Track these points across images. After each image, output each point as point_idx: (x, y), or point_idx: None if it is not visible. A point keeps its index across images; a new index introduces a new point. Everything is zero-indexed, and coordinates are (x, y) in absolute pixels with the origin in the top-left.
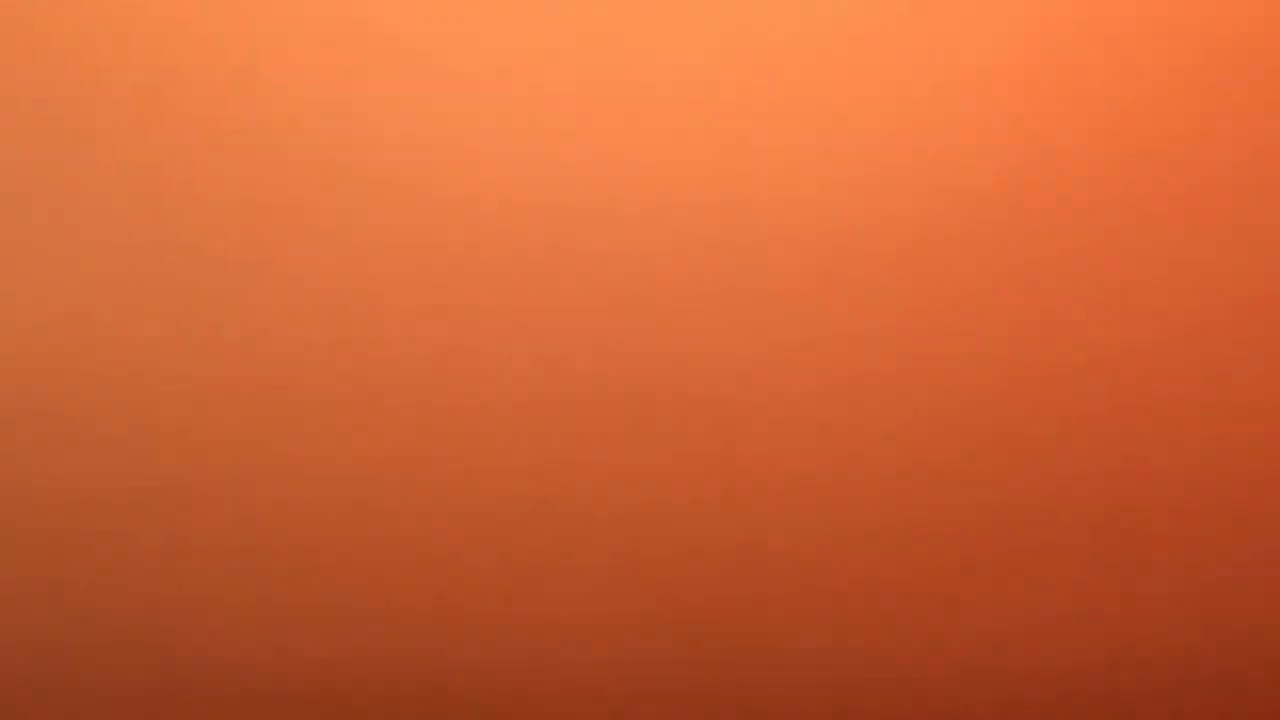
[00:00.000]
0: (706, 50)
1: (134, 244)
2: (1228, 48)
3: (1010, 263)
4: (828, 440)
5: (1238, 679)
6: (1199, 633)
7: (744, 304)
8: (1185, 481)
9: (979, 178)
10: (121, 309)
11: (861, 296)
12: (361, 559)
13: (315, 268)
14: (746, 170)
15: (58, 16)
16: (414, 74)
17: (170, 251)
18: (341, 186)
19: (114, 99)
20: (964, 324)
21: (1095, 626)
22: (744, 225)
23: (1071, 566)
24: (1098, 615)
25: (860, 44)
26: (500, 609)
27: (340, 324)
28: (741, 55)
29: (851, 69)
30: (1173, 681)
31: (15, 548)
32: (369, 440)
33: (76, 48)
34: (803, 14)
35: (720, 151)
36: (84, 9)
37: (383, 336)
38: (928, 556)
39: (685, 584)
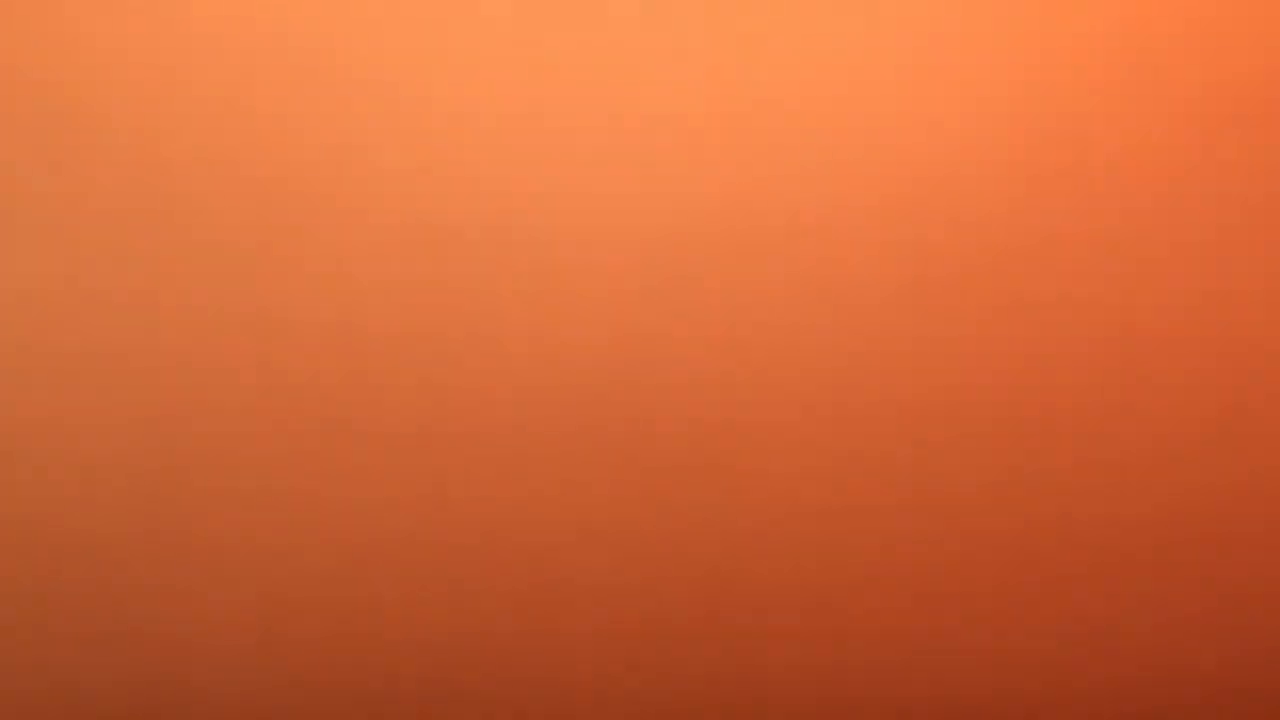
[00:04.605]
0: (709, 76)
1: (133, 248)
2: (1243, 73)
3: (1023, 284)
4: (832, 461)
5: (1260, 692)
6: (1226, 648)
7: (745, 326)
8: (1199, 502)
9: (998, 202)
10: (119, 320)
11: (869, 315)
12: (360, 582)
13: (317, 288)
14: (756, 185)
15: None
16: (416, 85)
17: (167, 254)
18: (341, 206)
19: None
20: (974, 349)
21: (1110, 644)
22: (750, 246)
23: (1075, 587)
24: (1111, 634)
25: (879, 74)
26: (501, 628)
27: (339, 343)
28: (748, 82)
29: (865, 95)
30: (1203, 696)
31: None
32: (367, 465)
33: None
34: (818, 42)
35: (726, 167)
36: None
37: (383, 362)
38: (933, 580)
39: (686, 605)
